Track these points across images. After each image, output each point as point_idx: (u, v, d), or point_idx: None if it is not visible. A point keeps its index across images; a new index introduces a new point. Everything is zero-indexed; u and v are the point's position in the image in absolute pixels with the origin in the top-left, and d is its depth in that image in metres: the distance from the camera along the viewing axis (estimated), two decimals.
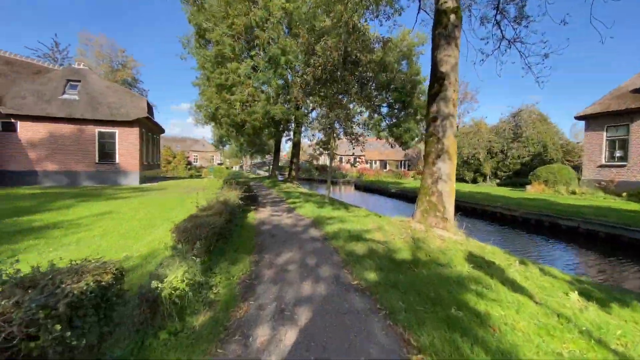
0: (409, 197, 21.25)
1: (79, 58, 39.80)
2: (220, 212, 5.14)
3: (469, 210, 15.54)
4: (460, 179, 33.00)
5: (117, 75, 43.79)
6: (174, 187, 16.01)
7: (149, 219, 7.57)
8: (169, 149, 46.55)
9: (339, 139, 13.52)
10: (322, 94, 13.40)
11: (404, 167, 51.88)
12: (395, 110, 19.17)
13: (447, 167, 6.03)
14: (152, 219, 7.58)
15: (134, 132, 17.77)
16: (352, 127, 12.91)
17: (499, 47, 9.88)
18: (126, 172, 17.76)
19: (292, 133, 22.22)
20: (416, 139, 19.98)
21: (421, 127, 19.72)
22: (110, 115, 17.18)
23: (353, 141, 13.25)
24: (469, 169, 31.65)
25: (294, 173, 22.73)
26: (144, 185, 17.54)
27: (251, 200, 11.89)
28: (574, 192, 16.02)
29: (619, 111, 15.52)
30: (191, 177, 38.55)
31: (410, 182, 33.93)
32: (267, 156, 61.12)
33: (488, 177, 27.85)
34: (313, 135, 20.92)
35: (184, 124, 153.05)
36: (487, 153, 28.01)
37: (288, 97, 15.55)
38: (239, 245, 5.36)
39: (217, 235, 4.58)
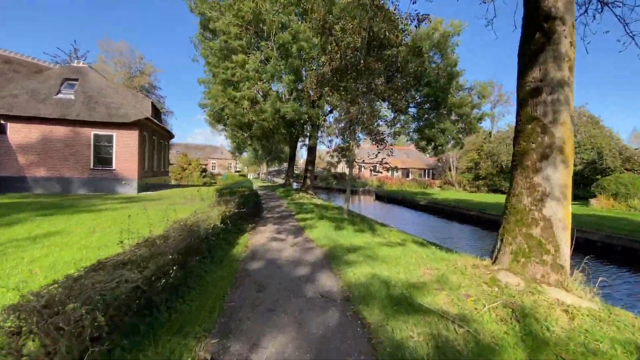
0: (443, 211, 18.34)
1: (96, 63, 39.82)
2: (148, 259, 2.80)
3: None
4: (496, 189, 29.63)
5: (135, 82, 43.51)
6: (172, 197, 14.01)
7: (96, 247, 5.37)
8: (184, 156, 45.59)
9: (359, 143, 11.10)
10: (341, 87, 11.03)
11: (428, 176, 48.53)
12: (426, 108, 16.48)
13: (559, 176, 3.46)
14: (102, 246, 5.38)
15: (133, 135, 16.05)
16: (378, 125, 10.46)
17: (585, 11, 7.22)
18: (123, 179, 16.02)
19: (307, 138, 19.97)
20: (451, 142, 17.13)
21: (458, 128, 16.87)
22: (107, 116, 15.56)
23: (378, 143, 10.79)
24: (505, 177, 28.23)
25: (308, 182, 20.39)
26: (141, 194, 15.71)
27: (252, 215, 9.60)
28: None
29: None
30: (204, 184, 37.13)
31: (438, 192, 30.78)
32: (284, 164, 59.44)
33: None
34: (330, 140, 18.60)
35: (207, 133, 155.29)
36: None
37: (301, 92, 13.32)
38: (193, 314, 2.99)
39: (110, 323, 2.23)
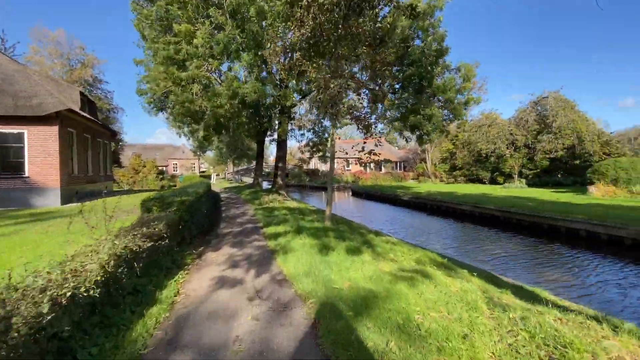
0: (430, 207, 16.54)
1: (28, 54, 34.34)
2: None
3: (537, 228, 10.95)
4: (474, 179, 28.71)
5: (75, 75, 38.04)
6: (97, 211, 10.89)
7: None
8: (137, 157, 40.74)
9: (344, 124, 8.82)
10: (314, 63, 8.57)
11: (400, 169, 47.45)
12: (409, 92, 14.43)
13: None
14: None
15: (52, 131, 12.54)
16: (362, 104, 8.20)
17: None
18: (41, 188, 12.49)
19: (275, 131, 17.21)
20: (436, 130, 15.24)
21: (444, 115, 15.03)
22: (13, 107, 11.99)
23: (366, 129, 8.57)
24: (484, 167, 27.32)
25: (280, 180, 17.78)
26: (64, 206, 12.32)
27: (202, 232, 6.98)
28: None
29: None
30: (162, 188, 33.14)
31: (416, 185, 29.35)
32: (253, 162, 55.93)
33: (515, 176, 23.52)
34: (302, 134, 16.19)
35: (169, 133, 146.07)
36: (512, 148, 23.70)
37: (264, 68, 10.73)
38: None
39: None
